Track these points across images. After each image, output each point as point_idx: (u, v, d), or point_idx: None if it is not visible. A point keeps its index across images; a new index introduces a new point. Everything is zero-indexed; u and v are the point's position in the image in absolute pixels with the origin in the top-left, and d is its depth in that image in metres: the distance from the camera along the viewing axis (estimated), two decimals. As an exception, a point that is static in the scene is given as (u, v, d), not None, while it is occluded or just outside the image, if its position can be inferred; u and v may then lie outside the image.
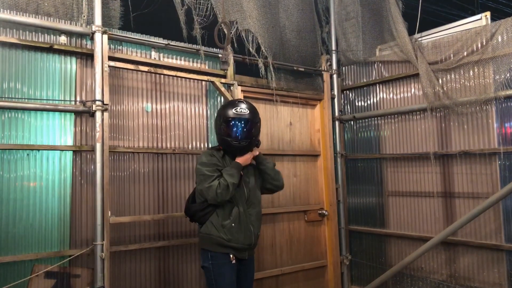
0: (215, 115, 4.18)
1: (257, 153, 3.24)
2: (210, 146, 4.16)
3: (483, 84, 3.86)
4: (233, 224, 2.96)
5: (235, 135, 3.04)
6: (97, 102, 3.42)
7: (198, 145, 4.11)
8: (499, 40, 3.77)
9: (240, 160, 3.07)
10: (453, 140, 4.09)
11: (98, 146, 3.40)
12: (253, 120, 3.09)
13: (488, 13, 4.02)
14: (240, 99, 3.25)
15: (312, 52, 4.99)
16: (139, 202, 3.74)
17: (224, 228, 2.95)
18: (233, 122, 3.03)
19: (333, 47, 5.08)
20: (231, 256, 2.96)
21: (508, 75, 3.71)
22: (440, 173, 4.17)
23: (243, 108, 3.06)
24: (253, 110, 3.12)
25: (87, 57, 3.58)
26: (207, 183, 2.90)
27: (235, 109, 3.04)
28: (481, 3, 9.66)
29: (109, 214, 3.39)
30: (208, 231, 3.00)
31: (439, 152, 4.15)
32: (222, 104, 3.23)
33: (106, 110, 3.46)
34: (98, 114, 3.42)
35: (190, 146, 4.06)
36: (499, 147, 3.74)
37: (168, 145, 3.93)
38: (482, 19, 4.03)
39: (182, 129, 4.03)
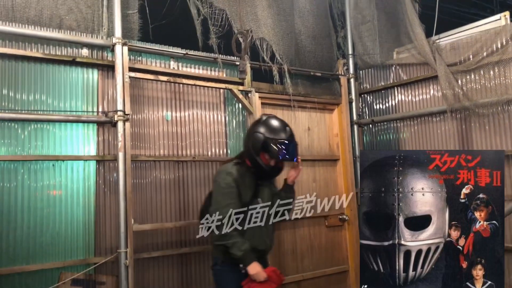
0: (234, 121, 4.30)
1: (297, 175, 3.04)
2: (229, 154, 4.20)
3: (504, 84, 3.81)
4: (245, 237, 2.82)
5: (270, 166, 2.86)
6: (119, 112, 3.50)
7: (217, 152, 4.16)
8: (520, 40, 3.72)
9: (253, 270, 2.72)
10: (475, 142, 4.03)
11: (121, 155, 3.48)
12: (292, 160, 2.93)
13: (507, 13, 3.97)
14: (288, 126, 2.93)
15: (329, 56, 5.00)
16: (161, 210, 3.79)
17: None
18: (273, 153, 2.80)
19: (350, 51, 5.08)
20: (241, 265, 2.80)
21: (529, 75, 3.65)
22: (462, 176, 4.10)
23: (289, 142, 2.83)
24: (296, 150, 2.93)
25: (108, 68, 3.67)
26: (217, 213, 2.73)
27: (280, 144, 2.78)
28: (500, 2, 9.52)
29: (132, 222, 3.45)
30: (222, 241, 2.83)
31: (461, 154, 4.09)
32: (268, 119, 2.90)
33: (127, 120, 3.53)
34: (120, 124, 3.50)
35: (209, 153, 4.11)
36: (523, 148, 3.68)
37: (188, 153, 3.99)
38: (501, 19, 3.98)
39: (202, 136, 4.09)
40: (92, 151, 3.55)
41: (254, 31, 4.32)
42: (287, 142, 2.79)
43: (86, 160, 3.49)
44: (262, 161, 2.83)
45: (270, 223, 2.89)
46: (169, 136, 3.93)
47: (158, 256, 3.68)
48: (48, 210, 3.32)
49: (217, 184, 2.86)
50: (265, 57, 4.36)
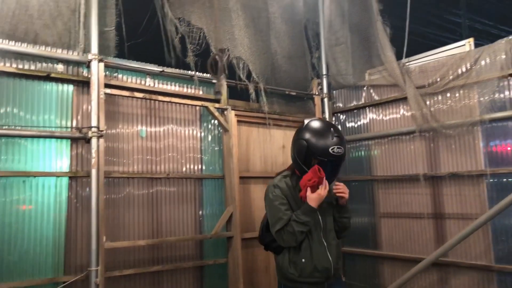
0: (209, 137, 4.34)
1: (346, 196, 2.65)
2: (203, 170, 4.22)
3: (469, 107, 3.99)
4: (303, 260, 2.56)
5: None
6: (93, 129, 3.49)
7: (192, 168, 4.17)
8: (482, 65, 3.91)
9: (313, 200, 2.49)
10: (442, 162, 4.18)
11: (94, 172, 3.45)
12: (343, 160, 2.62)
13: (471, 40, 4.18)
14: (334, 127, 2.62)
15: (303, 76, 5.13)
16: (133, 227, 3.77)
17: (294, 264, 2.59)
18: (325, 163, 2.52)
19: (324, 72, 5.21)
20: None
21: (492, 98, 3.83)
22: (430, 195, 4.25)
23: (339, 147, 2.53)
24: (345, 147, 2.60)
25: (84, 84, 3.66)
26: (274, 227, 2.56)
27: (331, 149, 2.50)
28: (469, 26, 9.96)
29: (104, 239, 3.42)
30: (281, 264, 2.66)
31: (429, 173, 4.24)
32: (311, 123, 2.63)
33: (101, 136, 3.52)
34: (94, 140, 3.48)
35: (184, 169, 4.12)
36: (486, 168, 3.84)
37: (163, 168, 3.99)
38: (466, 45, 4.18)
39: (176, 152, 4.10)
40: (65, 167, 3.51)
41: (231, 50, 4.40)
42: (321, 158, 2.51)
43: (59, 176, 3.46)
44: (309, 169, 2.53)
45: (333, 237, 2.67)
46: (144, 152, 3.93)
47: (130, 274, 3.64)
48: (17, 227, 3.25)
49: (267, 199, 2.66)
50: (242, 76, 4.45)
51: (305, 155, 2.55)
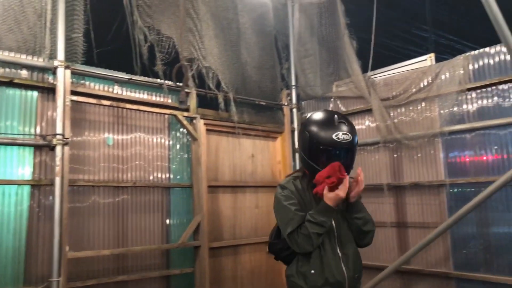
0: (177, 145, 4.33)
1: (358, 189, 2.25)
2: (171, 179, 4.21)
3: (430, 119, 4.14)
4: (312, 271, 2.22)
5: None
6: (58, 136, 3.43)
7: (159, 176, 4.15)
8: (443, 79, 4.08)
9: (330, 199, 2.14)
10: (405, 172, 4.32)
11: (58, 180, 3.39)
12: (354, 147, 2.27)
13: (432, 55, 4.37)
14: (339, 114, 2.30)
15: (273, 87, 5.20)
16: (98, 236, 3.71)
17: (303, 276, 2.24)
18: (330, 152, 2.21)
19: (293, 83, 5.31)
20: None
21: (451, 111, 3.99)
22: (394, 204, 4.37)
23: (345, 133, 2.20)
24: (354, 133, 2.26)
25: (49, 91, 3.60)
26: (286, 229, 2.21)
27: (335, 135, 2.18)
28: (435, 40, 10.37)
29: (67, 249, 3.35)
30: (291, 275, 2.31)
31: (392, 183, 4.36)
32: (314, 114, 2.36)
33: (66, 144, 3.47)
34: (58, 148, 3.42)
35: (151, 177, 4.10)
36: (445, 178, 3.99)
37: (129, 177, 3.95)
38: (427, 60, 4.36)
39: (144, 160, 4.08)
40: (27, 175, 3.43)
41: (201, 59, 4.43)
42: (326, 147, 2.20)
43: (20, 184, 3.37)
44: (316, 164, 2.23)
45: (350, 246, 2.29)
46: (111, 160, 3.88)
47: (93, 284, 3.57)
48: (-25, 237, 3.15)
49: (275, 201, 2.33)
50: (211, 85, 4.48)
51: (309, 148, 2.25)
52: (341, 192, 2.13)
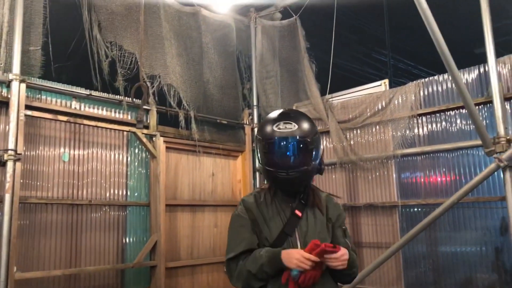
0: (135, 162, 4.28)
1: (342, 254, 1.77)
2: (128, 196, 4.15)
3: (384, 142, 4.32)
4: None
5: (279, 163, 1.92)
6: (10, 152, 3.32)
7: (116, 193, 4.08)
8: (396, 104, 4.28)
9: (285, 256, 1.78)
10: (360, 193, 4.46)
11: (7, 197, 3.27)
12: (304, 137, 1.91)
13: (386, 81, 4.58)
14: (286, 109, 2.10)
15: (235, 106, 5.26)
16: (49, 256, 3.58)
17: None
18: (273, 144, 1.92)
19: (255, 102, 5.39)
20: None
21: (403, 135, 4.18)
22: (350, 224, 4.48)
23: (288, 122, 1.93)
24: (303, 121, 1.96)
25: (2, 104, 3.50)
26: (227, 254, 1.97)
27: (276, 126, 1.93)
28: (393, 65, 10.84)
29: (15, 270, 3.21)
30: None
31: (348, 203, 4.48)
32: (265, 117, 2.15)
33: (18, 159, 3.36)
34: (9, 164, 3.31)
35: (108, 194, 4.02)
36: (398, 200, 4.15)
37: (85, 194, 3.86)
38: (382, 85, 4.56)
39: (100, 176, 4.01)
40: (-26, 192, 3.29)
41: (163, 77, 4.44)
42: (269, 139, 1.93)
43: (-34, 201, 3.23)
44: (267, 165, 1.96)
45: (323, 282, 1.86)
46: (66, 175, 3.79)
47: (41, 306, 3.44)
48: None
49: (231, 218, 2.10)
50: (172, 103, 4.48)
51: (260, 149, 1.98)
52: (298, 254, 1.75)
